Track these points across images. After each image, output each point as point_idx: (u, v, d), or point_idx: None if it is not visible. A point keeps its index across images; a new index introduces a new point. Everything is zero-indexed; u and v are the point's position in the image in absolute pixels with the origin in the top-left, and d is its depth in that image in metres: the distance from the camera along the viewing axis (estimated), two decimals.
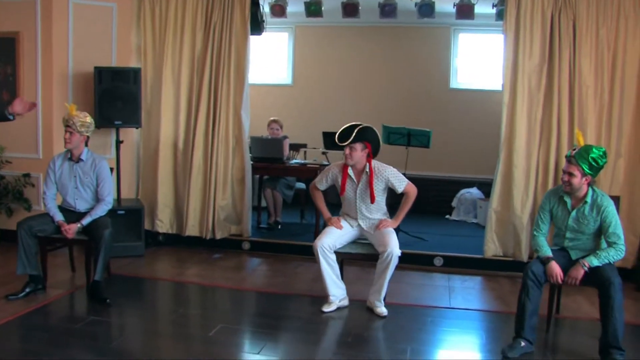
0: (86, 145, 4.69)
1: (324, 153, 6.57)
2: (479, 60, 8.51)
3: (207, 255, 5.95)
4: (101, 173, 4.67)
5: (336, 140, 4.44)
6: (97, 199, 4.69)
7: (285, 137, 6.74)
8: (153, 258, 5.81)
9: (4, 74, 5.96)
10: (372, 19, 8.16)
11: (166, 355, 3.64)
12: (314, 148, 6.92)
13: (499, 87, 5.56)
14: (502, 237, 5.67)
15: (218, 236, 6.10)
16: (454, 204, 7.88)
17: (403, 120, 7.16)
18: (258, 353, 3.70)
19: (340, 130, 4.43)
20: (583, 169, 3.71)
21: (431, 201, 8.28)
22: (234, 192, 6.19)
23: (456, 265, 5.72)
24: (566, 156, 3.87)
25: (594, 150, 3.72)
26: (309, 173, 6.37)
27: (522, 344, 3.71)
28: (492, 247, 5.68)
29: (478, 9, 7.03)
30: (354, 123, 4.44)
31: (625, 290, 4.63)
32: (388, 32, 8.55)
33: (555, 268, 3.76)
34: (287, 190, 6.85)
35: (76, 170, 4.66)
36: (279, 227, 6.82)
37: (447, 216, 7.92)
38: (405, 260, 5.52)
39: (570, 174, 3.76)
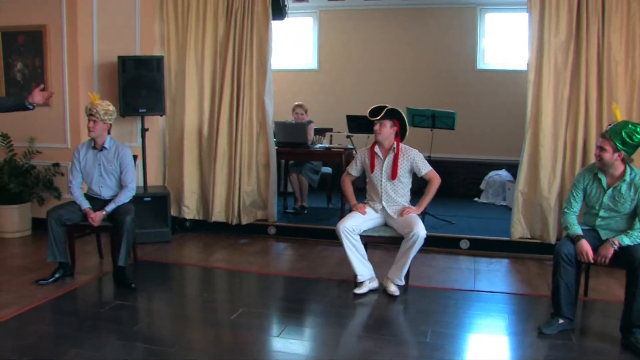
0: (109, 133, 4.77)
1: (348, 137, 6.53)
2: (505, 40, 8.33)
3: (234, 241, 6.00)
4: (124, 160, 4.75)
5: (367, 116, 4.49)
6: (121, 186, 4.77)
7: (310, 122, 6.73)
8: (180, 244, 5.90)
9: (32, 66, 6.10)
10: (396, 1, 8.10)
11: (187, 337, 3.69)
12: (339, 132, 6.88)
13: (526, 67, 5.43)
14: (529, 219, 5.56)
15: (244, 222, 6.15)
16: (482, 186, 7.77)
17: (429, 103, 7.07)
18: (278, 336, 3.72)
19: (370, 108, 4.50)
20: (615, 144, 3.61)
21: (459, 184, 8.20)
22: (259, 177, 6.22)
23: (483, 248, 5.65)
24: (602, 132, 3.79)
25: (629, 126, 3.61)
26: (333, 157, 6.35)
27: (560, 321, 3.69)
28: (519, 229, 5.58)
29: None
30: (382, 104, 4.51)
31: None
32: (413, 14, 8.44)
33: (585, 246, 3.67)
34: (313, 175, 6.85)
35: (100, 159, 4.75)
36: (305, 211, 6.83)
37: (476, 199, 7.82)
38: (431, 243, 5.50)
39: (602, 149, 3.67)
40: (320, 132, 7.25)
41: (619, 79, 5.17)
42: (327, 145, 6.67)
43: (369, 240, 4.62)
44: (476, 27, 8.31)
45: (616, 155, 3.64)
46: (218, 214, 6.20)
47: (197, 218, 6.36)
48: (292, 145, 6.43)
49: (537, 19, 5.34)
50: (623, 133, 3.58)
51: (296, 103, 6.98)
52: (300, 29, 9.11)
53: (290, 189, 7.14)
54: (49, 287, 4.44)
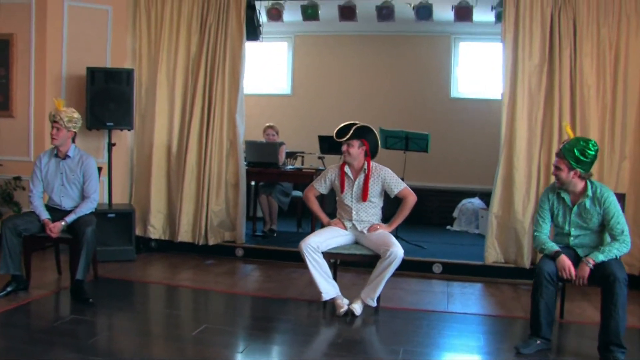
0: (73, 142, 4.59)
1: (320, 158, 6.43)
2: (479, 69, 8.40)
3: (200, 261, 5.79)
4: (88, 170, 4.56)
5: (334, 137, 4.38)
6: (83, 197, 4.57)
7: (282, 144, 6.62)
8: (144, 263, 5.66)
9: None
10: (371, 28, 8.14)
11: (144, 353, 3.47)
12: (310, 153, 6.78)
13: (500, 97, 5.44)
14: (503, 242, 5.48)
15: (211, 242, 5.95)
16: (455, 214, 7.70)
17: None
18: (241, 352, 3.53)
19: (338, 127, 4.39)
20: (570, 163, 3.58)
21: (432, 211, 8.13)
22: (227, 197, 6.04)
23: (456, 272, 5.52)
24: (556, 151, 3.76)
25: (580, 142, 3.59)
26: (304, 178, 6.22)
27: (538, 342, 3.57)
28: (492, 254, 5.48)
29: (477, 17, 6.94)
30: (352, 122, 4.41)
31: (631, 297, 4.48)
32: (388, 41, 8.48)
33: (567, 261, 3.58)
34: (283, 197, 6.69)
35: (63, 167, 4.55)
36: (275, 235, 6.64)
37: (449, 227, 7.74)
38: (403, 267, 5.26)
39: (557, 168, 3.66)
40: (291, 155, 7.14)
41: (591, 102, 5.19)
42: (298, 167, 6.55)
43: (340, 259, 4.48)
44: (450, 55, 8.38)
45: (572, 173, 3.61)
46: (184, 234, 5.99)
47: (163, 238, 6.14)
48: (263, 165, 6.28)
49: (512, 41, 5.37)
50: (575, 151, 3.55)
51: (267, 124, 6.88)
52: (275, 54, 9.09)
53: (259, 214, 6.96)
54: None
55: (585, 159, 3.55)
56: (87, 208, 4.53)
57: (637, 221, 5.11)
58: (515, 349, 3.55)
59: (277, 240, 6.45)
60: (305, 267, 4.22)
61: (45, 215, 4.45)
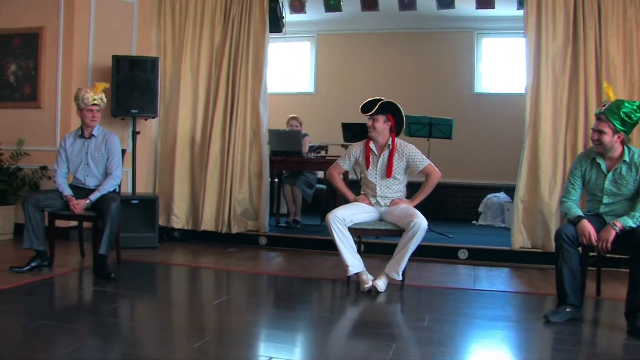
0: None
1: (343, 146, 6.39)
2: (503, 64, 8.33)
3: (222, 249, 5.76)
4: (112, 147, 4.63)
5: (360, 110, 4.37)
6: (106, 174, 4.61)
7: (305, 135, 6.62)
8: (166, 250, 5.65)
9: (26, 68, 6.03)
10: (393, 25, 8.17)
11: (164, 317, 3.46)
12: (334, 144, 6.75)
13: (524, 90, 5.39)
14: (530, 227, 5.36)
15: (234, 231, 5.93)
16: (480, 209, 7.58)
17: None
18: (262, 319, 3.48)
19: (364, 102, 4.39)
20: (615, 126, 3.45)
21: (457, 207, 8.06)
22: (251, 186, 6.04)
23: (482, 258, 5.41)
24: (596, 113, 3.62)
25: (625, 104, 3.45)
26: (328, 166, 6.15)
27: (567, 309, 3.46)
28: (519, 239, 5.36)
29: (499, 11, 6.92)
30: (377, 97, 4.39)
31: None
32: (411, 39, 8.48)
33: (587, 226, 3.47)
34: (307, 189, 6.66)
35: (88, 146, 4.62)
36: (299, 226, 6.59)
37: (474, 222, 7.61)
38: (428, 253, 5.32)
39: (601, 132, 3.50)
40: (315, 149, 7.11)
41: (617, 82, 5.09)
42: (322, 155, 6.54)
43: (363, 234, 4.43)
44: (473, 51, 8.34)
45: (616, 137, 3.49)
46: (207, 223, 5.98)
47: (186, 228, 6.13)
48: (286, 154, 6.28)
49: (534, 25, 5.33)
50: (622, 113, 3.42)
51: (291, 115, 6.90)
52: (298, 53, 9.16)
53: (282, 209, 6.93)
54: (22, 275, 4.18)
55: (630, 121, 3.44)
56: (110, 185, 4.57)
57: None
58: (544, 318, 3.45)
59: (301, 231, 6.39)
60: (335, 255, 4.17)
61: (68, 191, 4.49)
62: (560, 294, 3.52)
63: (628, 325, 3.27)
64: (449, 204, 8.00)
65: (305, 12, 6.84)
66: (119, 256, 4.91)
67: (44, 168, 5.89)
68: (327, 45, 8.86)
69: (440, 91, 8.30)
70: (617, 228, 3.41)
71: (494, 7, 6.27)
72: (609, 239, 3.42)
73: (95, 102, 4.52)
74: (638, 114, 3.45)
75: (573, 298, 3.47)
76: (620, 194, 3.57)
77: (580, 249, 3.60)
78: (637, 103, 3.49)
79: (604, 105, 3.56)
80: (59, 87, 5.93)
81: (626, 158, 3.52)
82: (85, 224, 5.07)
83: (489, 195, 7.56)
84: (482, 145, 8.09)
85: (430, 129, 6.20)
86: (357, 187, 4.64)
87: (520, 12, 5.56)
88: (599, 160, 3.61)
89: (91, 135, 4.61)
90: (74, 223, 5.32)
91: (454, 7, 6.37)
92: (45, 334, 2.90)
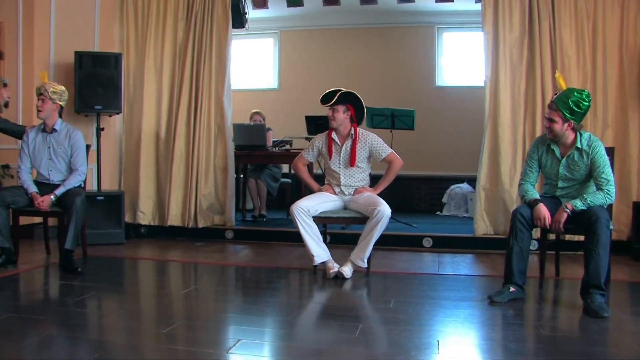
0: (60, 116, 4.62)
1: (307, 139, 6.45)
2: (463, 57, 8.51)
3: (189, 244, 5.77)
4: (75, 142, 4.58)
5: (320, 102, 4.41)
6: (71, 169, 4.58)
7: (269, 129, 6.66)
8: (133, 245, 5.63)
9: None
10: (355, 21, 8.27)
11: (132, 306, 3.47)
12: (298, 137, 6.80)
13: (483, 83, 5.54)
14: (492, 214, 5.52)
15: (200, 225, 5.94)
16: (444, 199, 7.74)
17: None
18: (231, 305, 3.52)
19: (323, 93, 4.43)
20: (564, 114, 3.55)
21: (420, 199, 8.21)
22: (216, 180, 6.06)
23: (446, 246, 5.55)
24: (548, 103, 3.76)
25: (574, 93, 3.56)
26: (293, 159, 6.21)
27: (512, 289, 3.56)
28: (482, 226, 5.52)
29: (459, 6, 7.08)
30: (337, 88, 4.44)
31: (621, 262, 4.52)
32: (373, 34, 8.59)
33: (543, 209, 3.60)
34: (272, 182, 6.70)
35: (50, 141, 4.57)
36: (264, 219, 6.64)
37: (438, 213, 7.76)
38: (392, 243, 5.43)
39: (551, 120, 3.62)
40: (279, 144, 7.16)
41: (571, 71, 5.29)
42: (286, 148, 6.59)
43: (328, 222, 4.50)
44: (434, 45, 8.49)
45: (566, 125, 3.59)
46: (174, 218, 5.98)
47: (152, 224, 6.12)
48: (251, 148, 6.31)
49: (492, 16, 5.49)
50: (570, 102, 3.53)
51: (254, 110, 6.94)
52: (261, 50, 9.17)
53: (248, 204, 6.95)
54: None
55: (579, 110, 3.53)
56: (75, 180, 4.54)
57: (622, 188, 5.13)
58: (488, 298, 3.54)
59: (267, 225, 6.44)
60: (299, 247, 4.22)
61: (33, 188, 4.45)
62: (507, 273, 3.62)
63: (583, 303, 3.37)
64: (414, 196, 8.14)
65: (267, 7, 6.89)
66: (85, 252, 4.88)
67: (5, 167, 5.80)
68: (290, 41, 8.90)
69: (402, 85, 8.42)
70: (568, 210, 3.54)
71: (452, 1, 6.41)
72: (561, 220, 3.55)
73: (40, 91, 4.47)
74: (586, 103, 3.56)
75: (518, 278, 3.58)
76: (574, 178, 3.71)
77: (534, 231, 3.73)
78: (586, 92, 3.59)
79: (556, 94, 3.69)
80: (20, 84, 5.83)
81: (578, 145, 3.63)
82: (51, 222, 5.03)
83: (452, 186, 7.71)
84: (445, 137, 8.24)
85: (393, 121, 6.30)
86: (323, 180, 4.71)
87: (479, 7, 5.72)
88: (553, 147, 3.73)
89: (53, 130, 4.57)
90: (38, 220, 5.27)
91: (414, 1, 6.49)
92: (13, 325, 2.88)
